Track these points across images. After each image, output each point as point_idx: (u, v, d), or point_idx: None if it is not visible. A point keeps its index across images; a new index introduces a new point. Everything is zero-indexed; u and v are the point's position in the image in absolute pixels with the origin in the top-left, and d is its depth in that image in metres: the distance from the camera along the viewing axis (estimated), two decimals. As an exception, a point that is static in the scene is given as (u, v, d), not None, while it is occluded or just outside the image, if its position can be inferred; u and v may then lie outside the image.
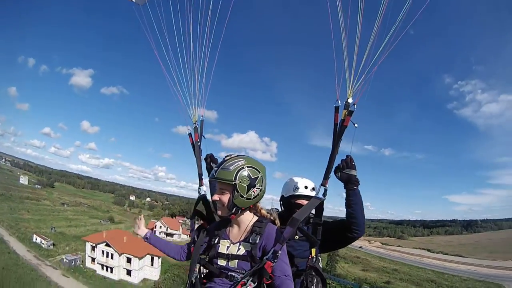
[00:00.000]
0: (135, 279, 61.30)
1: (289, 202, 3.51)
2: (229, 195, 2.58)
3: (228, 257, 2.67)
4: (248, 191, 2.59)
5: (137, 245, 61.74)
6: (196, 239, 3.00)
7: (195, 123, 3.91)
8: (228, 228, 2.86)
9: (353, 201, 3.11)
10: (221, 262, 2.71)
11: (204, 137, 3.92)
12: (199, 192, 3.57)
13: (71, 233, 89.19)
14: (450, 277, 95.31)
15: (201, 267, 2.90)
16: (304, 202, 3.30)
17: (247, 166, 2.59)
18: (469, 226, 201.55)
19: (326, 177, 3.07)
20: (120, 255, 61.07)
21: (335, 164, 3.14)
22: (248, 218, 2.77)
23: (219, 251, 2.74)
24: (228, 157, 2.65)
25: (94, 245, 63.36)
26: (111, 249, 61.69)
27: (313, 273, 3.11)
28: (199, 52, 3.85)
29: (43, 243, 72.56)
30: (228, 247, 2.72)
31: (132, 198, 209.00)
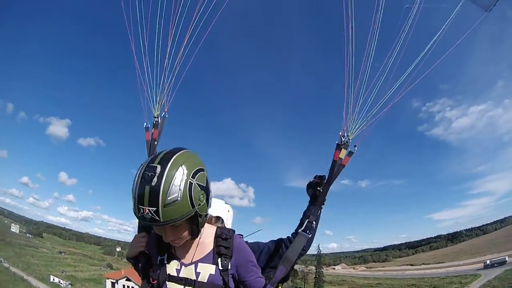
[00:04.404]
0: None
1: None
2: (187, 225, 2.02)
3: (187, 283, 2.16)
4: (208, 203, 2.08)
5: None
6: (142, 265, 2.40)
7: (156, 117, 3.45)
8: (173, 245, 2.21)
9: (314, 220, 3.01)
10: None
11: (159, 137, 3.41)
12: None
13: (81, 276, 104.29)
14: (430, 279, 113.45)
15: None
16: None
17: (192, 176, 1.91)
18: (454, 238, 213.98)
19: (314, 214, 2.97)
20: (140, 288, 76.35)
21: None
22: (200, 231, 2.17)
23: (170, 273, 2.20)
24: (153, 177, 1.81)
25: (115, 281, 77.27)
26: (131, 283, 74.68)
27: None
28: (178, 41, 3.60)
29: (61, 283, 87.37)
30: (178, 269, 2.20)
31: (118, 249, 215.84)
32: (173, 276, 2.19)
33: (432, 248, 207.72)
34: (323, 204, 3.09)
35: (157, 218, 1.82)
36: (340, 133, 3.18)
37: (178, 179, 1.85)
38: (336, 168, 3.07)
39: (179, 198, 1.83)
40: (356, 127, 3.19)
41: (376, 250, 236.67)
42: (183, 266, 2.21)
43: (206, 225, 2.33)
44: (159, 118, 3.50)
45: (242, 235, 2.49)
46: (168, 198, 1.80)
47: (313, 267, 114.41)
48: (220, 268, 2.17)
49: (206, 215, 2.12)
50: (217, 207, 3.25)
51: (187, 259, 2.23)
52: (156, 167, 1.85)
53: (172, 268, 2.21)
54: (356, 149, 3.15)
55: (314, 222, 2.95)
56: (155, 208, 1.80)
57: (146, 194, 1.80)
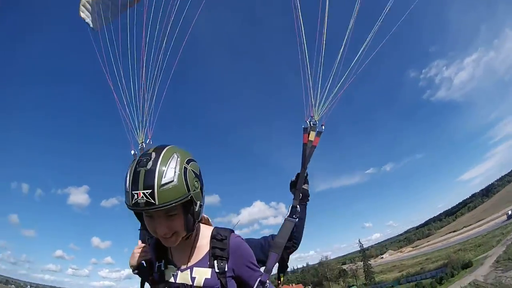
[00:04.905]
0: None
1: None
2: (181, 215, 1.90)
3: None
4: (202, 194, 2.01)
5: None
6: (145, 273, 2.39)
7: (141, 143, 3.68)
8: (168, 248, 2.22)
9: (301, 216, 3.17)
10: None
11: None
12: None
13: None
14: (474, 239, 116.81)
15: None
16: None
17: (186, 162, 1.88)
18: (488, 192, 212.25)
19: (296, 197, 3.11)
20: None
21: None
22: (194, 231, 2.13)
23: (167, 280, 2.12)
24: (148, 161, 1.77)
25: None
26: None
27: None
28: (151, 73, 3.77)
29: None
30: (174, 275, 2.11)
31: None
32: (171, 282, 2.11)
33: (470, 208, 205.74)
34: (303, 187, 3.23)
35: (152, 201, 1.69)
36: (305, 119, 3.32)
37: (174, 162, 1.80)
38: (308, 150, 3.21)
39: (175, 179, 1.75)
40: (321, 108, 3.28)
41: (418, 227, 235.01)
42: (179, 272, 2.11)
43: (203, 226, 2.26)
44: (143, 144, 3.67)
45: (233, 230, 2.26)
46: (164, 179, 1.72)
47: (361, 263, 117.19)
48: (217, 270, 2.04)
49: (201, 206, 2.02)
50: None
51: (183, 264, 2.13)
52: (151, 153, 1.81)
53: (169, 274, 2.13)
54: (323, 128, 3.27)
55: (298, 207, 3.07)
56: (150, 190, 1.69)
57: (141, 177, 1.72)
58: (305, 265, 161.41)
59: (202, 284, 2.02)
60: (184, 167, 1.84)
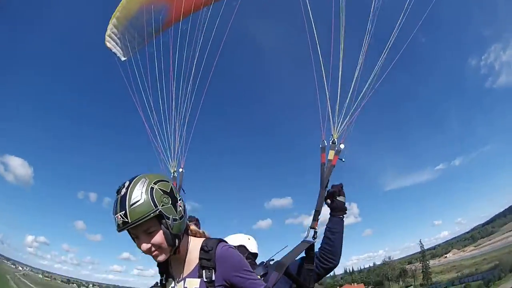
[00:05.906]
0: None
1: None
2: (160, 230, 2.12)
3: None
4: (175, 209, 2.19)
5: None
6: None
7: (173, 173, 4.01)
8: (169, 263, 2.46)
9: (337, 229, 3.09)
10: None
11: (183, 190, 3.90)
12: None
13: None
14: None
15: None
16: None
17: (153, 183, 2.13)
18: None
19: (315, 219, 3.01)
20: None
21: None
22: (184, 244, 2.35)
23: None
24: (122, 189, 2.09)
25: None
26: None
27: None
28: (180, 108, 4.02)
29: None
30: (173, 287, 2.38)
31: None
32: None
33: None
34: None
35: (127, 220, 1.97)
36: (322, 138, 3.35)
37: (141, 185, 2.07)
38: (326, 170, 3.22)
39: (141, 198, 2.01)
40: (340, 125, 3.32)
41: (484, 224, 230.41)
42: (176, 284, 2.34)
43: (194, 239, 2.43)
44: (175, 174, 4.11)
45: (223, 240, 2.37)
46: (132, 199, 2.00)
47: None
48: (205, 280, 2.19)
49: (176, 219, 2.17)
50: (238, 238, 3.62)
51: (178, 276, 2.36)
52: (126, 182, 2.11)
53: (169, 286, 2.40)
54: (341, 147, 3.28)
55: (315, 228, 3.03)
56: (124, 211, 1.98)
57: (118, 203, 2.03)
58: (372, 264, 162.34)
59: None
60: (151, 187, 2.08)
